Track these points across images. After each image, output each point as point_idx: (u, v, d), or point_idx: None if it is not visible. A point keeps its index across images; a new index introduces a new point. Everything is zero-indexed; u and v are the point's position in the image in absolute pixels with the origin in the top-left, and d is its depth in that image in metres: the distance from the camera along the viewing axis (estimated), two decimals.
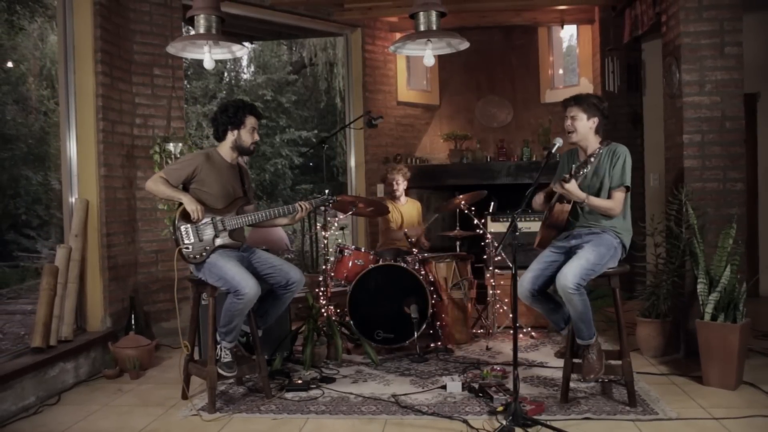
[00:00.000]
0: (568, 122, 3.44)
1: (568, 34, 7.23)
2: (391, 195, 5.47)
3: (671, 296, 4.22)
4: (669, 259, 4.20)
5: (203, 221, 3.47)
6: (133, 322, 4.60)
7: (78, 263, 4.27)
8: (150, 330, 4.91)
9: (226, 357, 3.50)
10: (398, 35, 6.61)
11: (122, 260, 4.68)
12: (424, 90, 7.02)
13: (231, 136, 3.59)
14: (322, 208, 3.80)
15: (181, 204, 3.47)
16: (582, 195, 3.23)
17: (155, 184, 3.52)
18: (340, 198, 4.33)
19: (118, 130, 4.67)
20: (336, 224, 4.91)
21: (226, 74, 17.81)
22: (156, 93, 4.99)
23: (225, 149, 3.64)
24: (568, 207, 3.34)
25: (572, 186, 3.18)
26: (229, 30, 4.82)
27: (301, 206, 3.62)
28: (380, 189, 6.38)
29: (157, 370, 4.32)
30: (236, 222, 3.53)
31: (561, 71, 7.17)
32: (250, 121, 3.59)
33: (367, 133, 6.34)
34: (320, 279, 4.78)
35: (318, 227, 5.06)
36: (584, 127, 3.42)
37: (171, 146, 4.66)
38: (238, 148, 3.62)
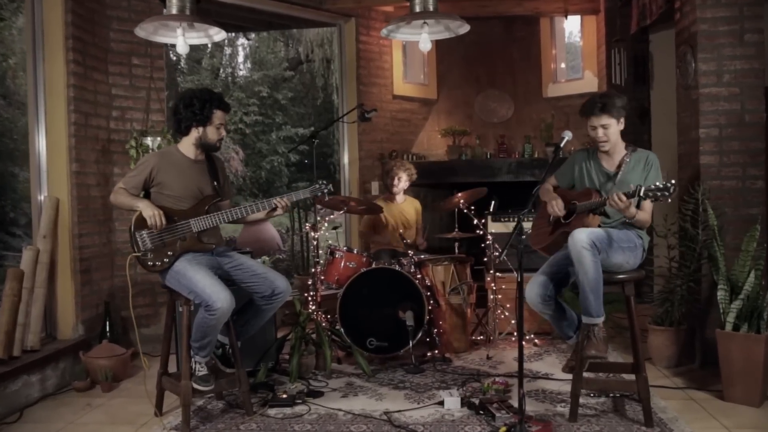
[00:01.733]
0: (600, 133, 3.13)
1: (571, 25, 6.91)
2: (390, 191, 5.15)
3: (686, 302, 3.92)
4: (683, 263, 3.91)
5: (165, 226, 3.16)
6: (107, 329, 4.30)
7: (46, 266, 3.96)
8: (128, 337, 4.60)
9: (202, 370, 3.19)
10: None
11: (96, 263, 4.36)
12: (422, 83, 6.71)
13: (195, 133, 3.28)
14: (318, 195, 3.47)
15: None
16: (634, 212, 2.96)
17: (115, 196, 3.26)
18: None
19: (92, 123, 4.36)
20: (326, 224, 4.60)
21: (222, 71, 17.52)
22: (135, 84, 4.68)
23: (186, 145, 3.32)
24: (599, 219, 3.06)
25: (631, 203, 2.91)
26: (216, 19, 4.51)
27: (278, 202, 3.30)
28: (375, 187, 6.07)
29: (132, 381, 4.01)
30: (204, 223, 3.22)
31: (563, 65, 6.86)
32: (218, 116, 3.26)
33: (361, 129, 6.03)
34: (309, 282, 4.48)
35: (308, 227, 4.75)
36: (616, 133, 3.18)
37: (149, 140, 4.35)
38: (203, 146, 3.31)
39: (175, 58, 17.68)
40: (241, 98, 16.11)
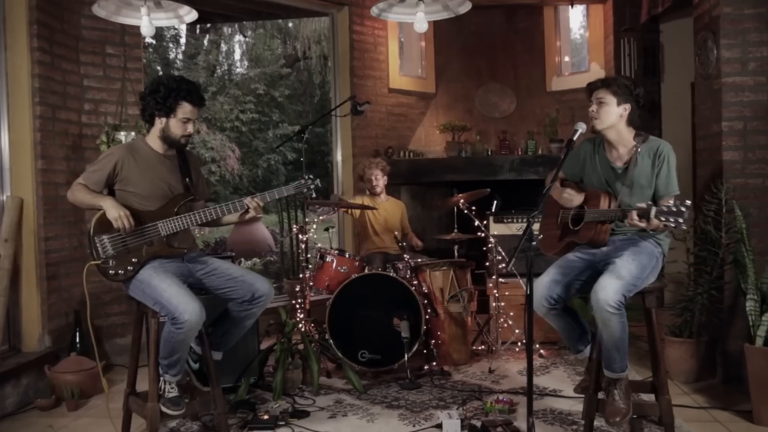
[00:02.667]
0: (593, 108, 2.85)
1: (576, 15, 6.60)
2: (371, 192, 4.83)
3: (706, 311, 3.59)
4: (704, 268, 3.57)
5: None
6: (77, 340, 3.97)
7: (8, 272, 3.63)
8: (102, 348, 4.28)
9: (171, 391, 2.86)
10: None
11: (65, 268, 4.03)
12: (419, 76, 6.38)
13: (159, 124, 2.93)
14: (303, 192, 3.11)
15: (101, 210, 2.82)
16: (657, 224, 2.51)
17: (73, 194, 2.89)
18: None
19: (61, 116, 4.03)
20: (315, 225, 4.26)
21: (218, 68, 17.21)
22: (109, 75, 4.35)
23: (154, 138, 2.98)
24: (610, 226, 2.75)
25: (656, 223, 2.50)
26: (201, 9, 4.18)
27: (248, 203, 2.95)
28: None
29: (102, 398, 3.65)
30: (174, 225, 2.88)
31: (566, 58, 6.54)
32: (184, 109, 2.89)
33: (355, 124, 5.70)
34: (297, 289, 4.16)
35: (296, 228, 4.41)
36: (612, 114, 2.82)
37: (122, 135, 4.01)
38: (167, 139, 2.95)
39: (172, 56, 17.44)
40: (237, 96, 15.83)
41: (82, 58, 4.23)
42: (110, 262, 2.80)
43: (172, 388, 2.86)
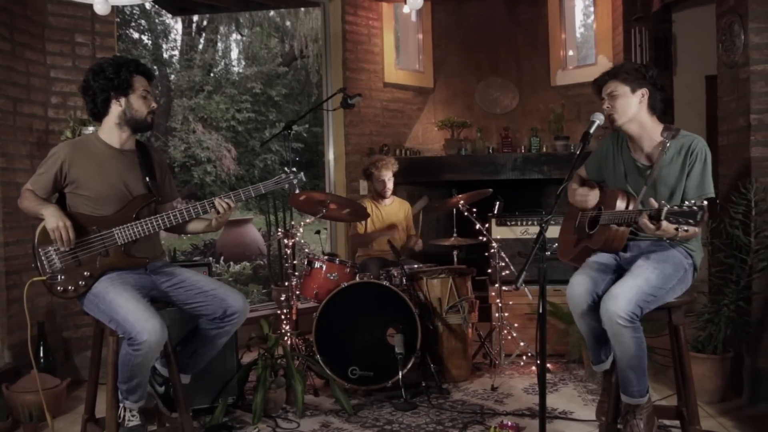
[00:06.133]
0: (606, 104, 2.55)
1: (582, 4, 6.26)
2: (380, 195, 4.48)
3: (732, 325, 3.25)
4: (730, 277, 3.24)
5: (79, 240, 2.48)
6: (41, 355, 3.62)
7: None
8: (71, 362, 3.94)
9: (133, 419, 2.52)
10: (384, 5, 5.64)
11: (28, 276, 3.64)
12: (416, 70, 6.04)
13: (116, 108, 2.60)
14: (286, 187, 2.79)
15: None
16: (674, 233, 2.17)
17: (21, 201, 2.58)
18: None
19: (23, 110, 3.69)
20: (301, 230, 3.92)
21: (215, 67, 16.90)
22: (79, 65, 4.00)
23: (109, 129, 2.65)
24: (627, 229, 2.41)
25: (667, 225, 2.15)
26: None
27: (218, 204, 2.58)
28: (363, 186, 5.40)
29: (66, 419, 3.33)
30: (132, 232, 2.53)
31: (571, 52, 6.20)
32: (140, 82, 2.60)
33: (348, 120, 5.37)
34: (282, 298, 3.82)
35: (280, 233, 4.07)
36: (631, 104, 2.52)
37: (89, 131, 3.67)
38: (131, 122, 2.62)
39: (167, 56, 17.11)
40: (233, 95, 15.54)
41: (48, 47, 3.89)
42: (58, 276, 2.46)
43: (133, 416, 2.52)
